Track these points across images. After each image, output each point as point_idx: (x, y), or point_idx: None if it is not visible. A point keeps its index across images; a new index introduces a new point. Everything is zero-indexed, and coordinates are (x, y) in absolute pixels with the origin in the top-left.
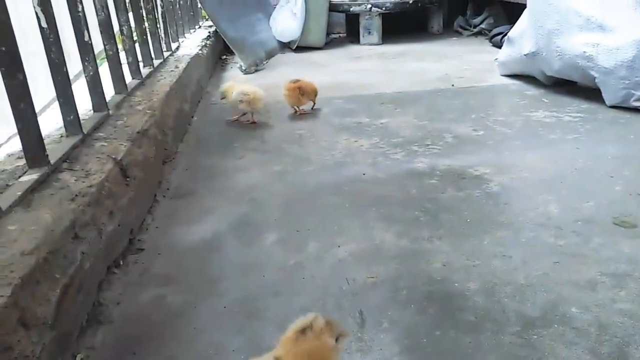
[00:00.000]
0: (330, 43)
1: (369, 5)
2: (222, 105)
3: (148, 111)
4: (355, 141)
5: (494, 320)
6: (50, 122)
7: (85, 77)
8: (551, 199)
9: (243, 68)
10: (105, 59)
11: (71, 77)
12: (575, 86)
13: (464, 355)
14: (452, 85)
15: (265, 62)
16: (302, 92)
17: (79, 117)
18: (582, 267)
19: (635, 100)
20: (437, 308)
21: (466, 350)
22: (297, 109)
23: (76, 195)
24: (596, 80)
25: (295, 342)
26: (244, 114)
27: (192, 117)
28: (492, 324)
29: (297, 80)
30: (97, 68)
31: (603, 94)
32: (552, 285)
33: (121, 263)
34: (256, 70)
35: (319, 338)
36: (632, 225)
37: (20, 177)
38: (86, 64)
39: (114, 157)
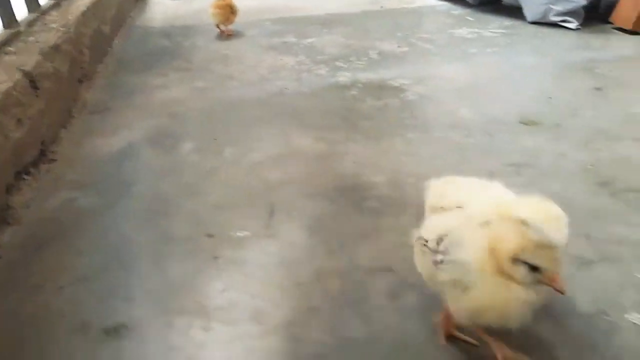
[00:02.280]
0: None
1: None
2: (147, 29)
3: (62, 28)
4: (281, 59)
5: (396, 205)
6: None
7: None
8: (464, 104)
9: None
10: None
11: None
12: (500, 5)
13: (364, 234)
14: (381, 7)
15: None
16: (232, 10)
17: None
18: (484, 160)
19: (554, 15)
20: (345, 198)
21: (367, 230)
22: (224, 30)
23: None
24: None
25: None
26: None
27: (114, 40)
28: (393, 209)
29: None
30: None
31: (524, 11)
32: (455, 175)
33: (32, 171)
34: None
35: None
36: (534, 123)
37: None
38: None
39: (22, 68)
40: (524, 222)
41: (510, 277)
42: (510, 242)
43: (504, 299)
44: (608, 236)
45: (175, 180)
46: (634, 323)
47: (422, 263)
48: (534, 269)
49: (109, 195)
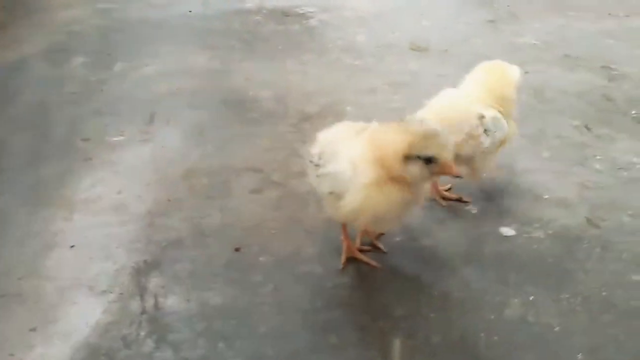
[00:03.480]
0: None
1: None
2: None
3: None
4: None
5: (276, 116)
6: None
7: None
8: (361, 31)
9: None
10: None
11: None
12: None
13: (240, 140)
14: None
15: None
16: None
17: None
18: (369, 79)
19: None
20: (228, 110)
21: (243, 136)
22: None
23: None
24: None
25: None
26: None
27: None
28: (273, 119)
29: None
30: None
31: None
32: (337, 92)
33: None
34: None
35: None
36: (424, 49)
37: None
38: None
39: None
40: (402, 120)
41: (402, 182)
42: (396, 143)
43: (378, 202)
44: None
45: (61, 90)
46: (469, 212)
47: (311, 178)
48: (428, 161)
49: None
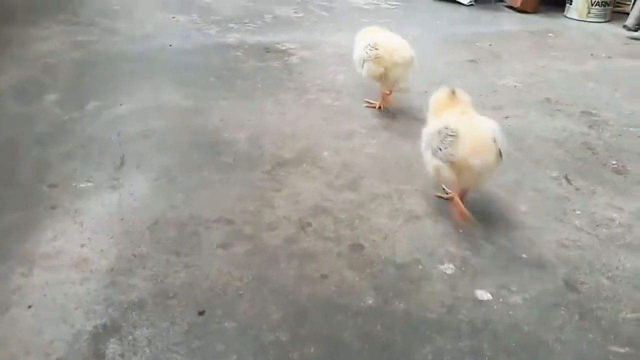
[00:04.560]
0: None
1: None
2: None
3: None
4: (173, 17)
5: (251, 161)
6: None
7: None
8: (342, 70)
9: None
10: None
11: None
12: None
13: (211, 187)
14: None
15: None
16: None
17: None
18: (346, 121)
19: None
20: (200, 154)
21: (216, 184)
22: None
23: None
24: None
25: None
26: None
27: None
28: (246, 164)
29: None
30: None
31: None
32: (314, 135)
33: None
34: None
35: None
36: (403, 90)
37: None
38: None
39: None
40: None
41: None
42: None
43: None
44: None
45: (30, 129)
46: (444, 272)
47: None
48: None
49: None
